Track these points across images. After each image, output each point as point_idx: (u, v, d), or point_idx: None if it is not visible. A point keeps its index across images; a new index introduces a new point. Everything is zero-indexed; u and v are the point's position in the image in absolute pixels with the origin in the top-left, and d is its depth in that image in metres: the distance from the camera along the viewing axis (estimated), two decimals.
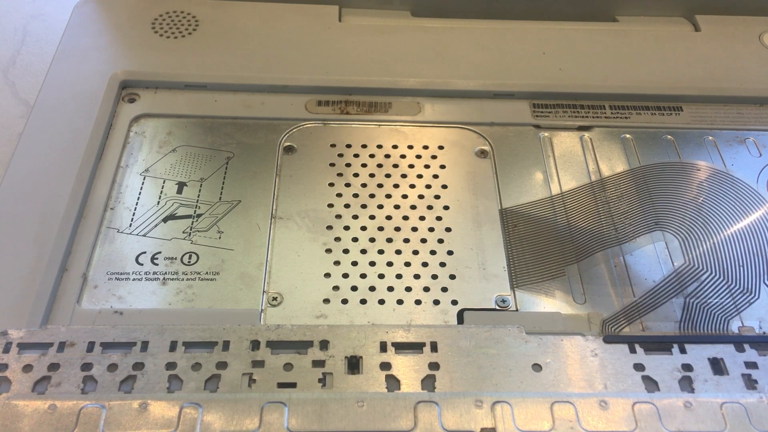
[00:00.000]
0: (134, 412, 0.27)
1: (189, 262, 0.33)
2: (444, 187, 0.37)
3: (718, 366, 0.29)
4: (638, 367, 0.29)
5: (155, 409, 0.27)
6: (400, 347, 0.30)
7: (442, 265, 0.34)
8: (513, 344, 0.30)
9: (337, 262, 0.33)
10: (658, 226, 0.35)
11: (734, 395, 0.28)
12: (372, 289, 0.33)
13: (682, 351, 0.30)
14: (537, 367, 0.29)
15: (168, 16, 0.46)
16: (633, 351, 0.30)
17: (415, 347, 0.30)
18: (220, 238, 0.34)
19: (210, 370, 0.28)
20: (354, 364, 0.29)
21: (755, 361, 0.29)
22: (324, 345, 0.29)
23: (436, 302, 0.32)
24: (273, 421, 0.27)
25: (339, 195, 0.36)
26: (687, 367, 0.29)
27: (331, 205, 0.36)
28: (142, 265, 0.33)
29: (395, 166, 0.38)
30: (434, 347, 0.30)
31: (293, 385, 0.28)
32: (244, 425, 0.27)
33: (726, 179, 0.37)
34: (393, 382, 0.28)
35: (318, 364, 0.29)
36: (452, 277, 0.33)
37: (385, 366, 0.29)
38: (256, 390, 0.28)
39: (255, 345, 0.29)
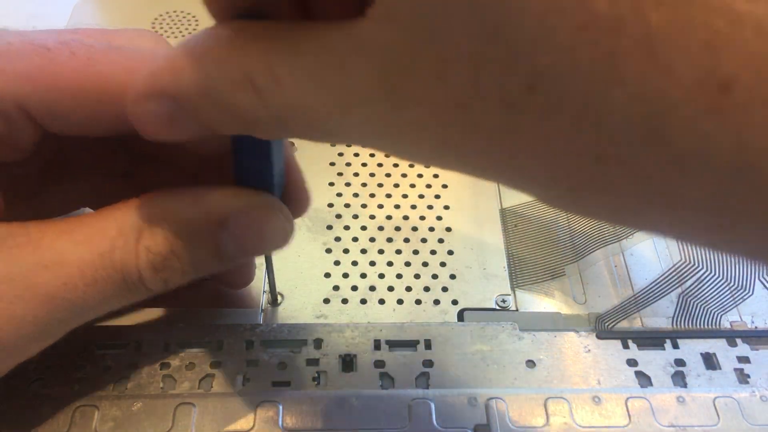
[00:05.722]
0: (128, 412, 0.27)
1: None
2: (444, 186, 0.37)
3: (710, 361, 0.29)
4: (631, 362, 0.29)
5: (149, 409, 0.27)
6: (394, 345, 0.30)
7: (443, 264, 0.34)
8: (506, 341, 0.30)
9: (337, 262, 0.34)
10: None
11: (727, 389, 0.28)
12: (372, 289, 0.33)
13: (675, 346, 0.30)
14: (531, 363, 0.29)
15: (168, 16, 0.46)
16: (626, 346, 0.30)
17: (409, 345, 0.30)
18: None
19: (204, 370, 0.28)
20: (348, 363, 0.29)
21: (747, 355, 0.29)
22: (318, 343, 0.30)
23: (437, 302, 0.32)
24: (267, 419, 0.27)
25: (339, 195, 0.37)
26: (680, 362, 0.29)
27: (331, 205, 0.36)
28: None
29: (395, 165, 0.38)
30: (428, 345, 0.30)
31: (287, 383, 0.28)
32: (238, 424, 0.27)
33: None
34: (387, 380, 0.29)
35: (312, 362, 0.29)
36: (452, 276, 0.33)
37: (379, 364, 0.29)
38: (251, 389, 0.28)
39: (249, 344, 0.29)
